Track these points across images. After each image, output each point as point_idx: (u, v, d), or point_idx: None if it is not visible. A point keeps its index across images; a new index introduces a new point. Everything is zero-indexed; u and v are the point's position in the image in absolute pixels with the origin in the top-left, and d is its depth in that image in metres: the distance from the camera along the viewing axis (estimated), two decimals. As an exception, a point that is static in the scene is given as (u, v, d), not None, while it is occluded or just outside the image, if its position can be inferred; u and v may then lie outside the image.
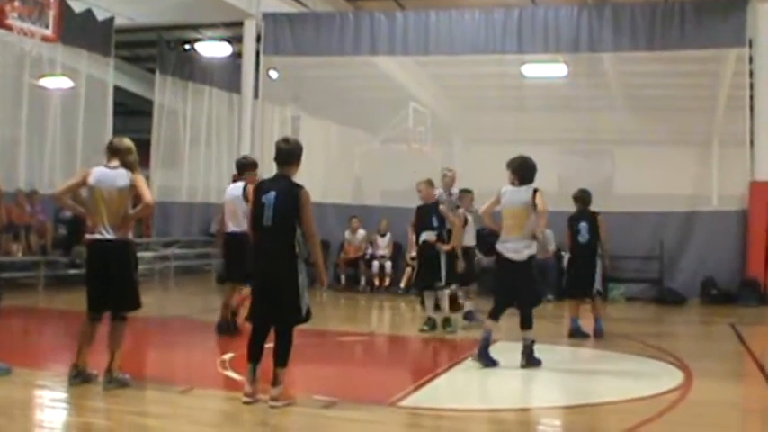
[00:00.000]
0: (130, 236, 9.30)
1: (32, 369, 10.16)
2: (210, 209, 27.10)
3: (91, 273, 9.27)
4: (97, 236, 9.05)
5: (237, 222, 12.56)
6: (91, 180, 9.13)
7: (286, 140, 9.04)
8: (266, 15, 22.35)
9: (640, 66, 21.29)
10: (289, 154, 8.79)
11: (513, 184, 11.00)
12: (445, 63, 22.22)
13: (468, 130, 24.03)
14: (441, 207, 13.97)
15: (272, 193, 8.51)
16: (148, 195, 9.12)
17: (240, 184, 12.70)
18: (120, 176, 9.07)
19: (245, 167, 13.01)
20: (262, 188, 8.73)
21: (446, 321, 13.92)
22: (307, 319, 8.63)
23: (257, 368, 8.54)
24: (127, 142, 9.29)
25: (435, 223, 13.81)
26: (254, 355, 8.58)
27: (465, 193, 15.20)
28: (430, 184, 14.05)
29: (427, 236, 13.78)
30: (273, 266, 8.50)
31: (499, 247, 10.91)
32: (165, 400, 8.76)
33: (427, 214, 13.87)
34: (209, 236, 26.49)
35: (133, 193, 9.15)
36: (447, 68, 23.00)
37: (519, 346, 10.96)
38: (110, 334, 9.08)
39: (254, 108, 22.80)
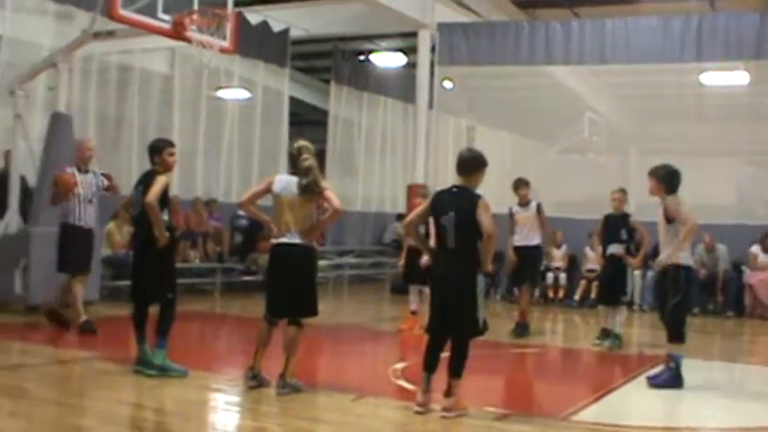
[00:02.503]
0: (314, 243, 9.36)
1: (207, 372, 10.32)
2: (385, 219, 27.29)
3: (272, 277, 9.35)
4: (282, 240, 9.13)
5: None
6: (275, 188, 9.21)
7: (469, 150, 9.03)
8: (441, 26, 22.28)
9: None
10: (469, 163, 8.71)
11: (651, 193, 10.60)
12: (621, 72, 21.81)
13: (645, 139, 23.55)
14: (631, 219, 13.64)
15: (451, 215, 8.40)
16: (336, 202, 9.14)
17: None
18: (301, 184, 9.10)
19: None
20: (440, 202, 8.64)
21: (616, 337, 13.58)
22: (483, 331, 8.51)
23: (432, 378, 8.45)
24: (299, 149, 9.31)
25: (624, 236, 13.50)
26: (430, 365, 8.49)
27: None
28: (624, 193, 13.75)
29: (615, 249, 13.46)
30: (454, 279, 8.42)
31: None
32: (336, 407, 8.75)
33: (616, 225, 13.55)
34: (382, 245, 26.63)
35: (318, 200, 9.19)
36: (623, 77, 22.60)
37: (695, 365, 10.66)
38: (285, 340, 9.12)
39: (429, 118, 22.78)
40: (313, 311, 9.27)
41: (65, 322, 12.92)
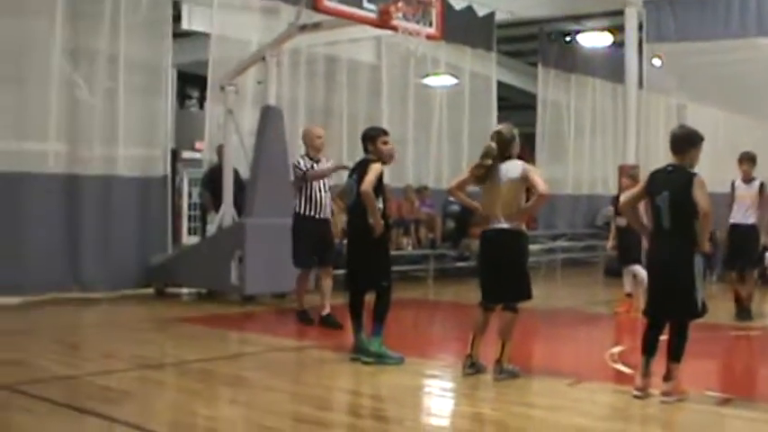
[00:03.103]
0: (523, 227, 9.34)
1: (423, 359, 10.41)
2: (596, 201, 27.01)
3: (483, 263, 9.39)
4: (492, 226, 9.13)
5: None
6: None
7: (682, 127, 8.89)
8: (647, 2, 21.93)
9: None
10: (683, 140, 8.53)
11: None
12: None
13: None
14: None
15: (665, 194, 8.25)
16: (542, 186, 9.04)
17: None
18: (512, 168, 9.09)
19: None
20: (654, 181, 8.49)
21: None
22: (703, 313, 8.32)
23: (651, 362, 8.31)
24: (509, 133, 9.28)
25: None
26: (649, 349, 8.35)
27: None
28: None
29: None
30: (670, 260, 8.26)
31: None
32: (553, 391, 8.70)
33: None
34: (595, 228, 26.37)
35: (526, 185, 9.17)
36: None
37: None
38: (500, 325, 9.11)
39: (638, 98, 22.44)
40: (526, 295, 9.22)
41: (310, 320, 12.88)
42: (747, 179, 13.89)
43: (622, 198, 9.20)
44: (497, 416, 7.98)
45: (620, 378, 9.13)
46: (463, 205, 12.10)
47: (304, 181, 12.51)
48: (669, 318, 8.33)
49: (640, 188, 8.76)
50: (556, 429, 7.31)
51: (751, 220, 13.88)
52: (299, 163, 12.67)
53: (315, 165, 12.63)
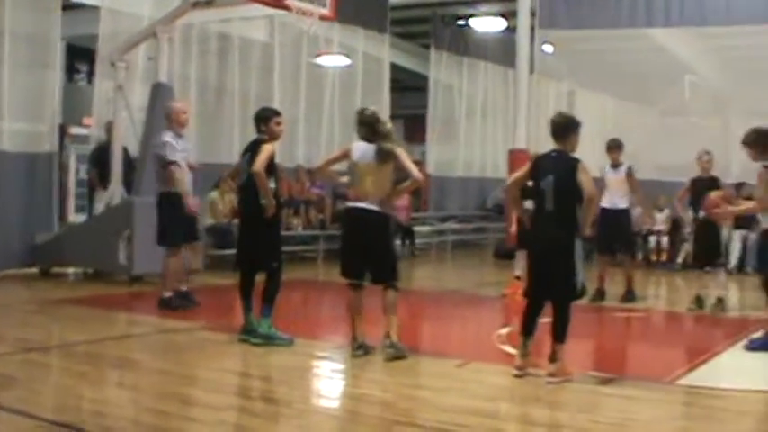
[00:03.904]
0: (391, 210, 9.47)
1: (313, 340, 10.47)
2: (487, 184, 27.24)
3: (348, 240, 9.53)
4: (359, 204, 9.23)
5: None
6: (354, 155, 9.31)
7: (560, 114, 9.01)
8: (541, -11, 22.19)
9: None
10: (563, 127, 8.67)
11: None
12: (723, 34, 21.41)
13: (747, 101, 23.05)
14: (721, 183, 13.48)
15: (550, 178, 8.40)
16: (415, 171, 9.22)
17: None
18: (378, 149, 9.17)
19: None
20: (539, 166, 8.64)
21: (718, 301, 13.44)
22: (581, 295, 8.52)
23: (529, 342, 8.50)
24: (373, 114, 9.40)
25: None
26: (528, 329, 8.53)
27: None
28: (711, 155, 13.56)
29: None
30: (552, 243, 8.40)
31: None
32: (441, 373, 8.78)
33: (705, 188, 13.41)
34: (485, 210, 26.60)
35: (395, 166, 9.23)
36: (724, 39, 22.12)
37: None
38: (384, 303, 9.22)
39: (529, 83, 22.65)
40: (395, 276, 9.37)
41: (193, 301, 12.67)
42: (616, 165, 14.13)
43: (508, 181, 9.32)
44: (386, 397, 8.01)
45: (508, 359, 9.19)
46: (329, 182, 12.13)
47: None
48: (548, 299, 8.52)
49: (524, 172, 8.87)
50: (443, 410, 7.35)
51: (622, 204, 14.10)
52: (166, 143, 12.17)
53: (179, 141, 12.30)
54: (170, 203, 12.13)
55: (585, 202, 8.27)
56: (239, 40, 20.50)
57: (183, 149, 12.33)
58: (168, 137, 12.20)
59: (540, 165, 8.63)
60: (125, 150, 15.98)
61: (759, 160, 10.19)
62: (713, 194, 11.67)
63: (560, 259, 8.35)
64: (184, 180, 12.14)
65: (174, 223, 12.22)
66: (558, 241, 8.35)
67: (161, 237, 12.36)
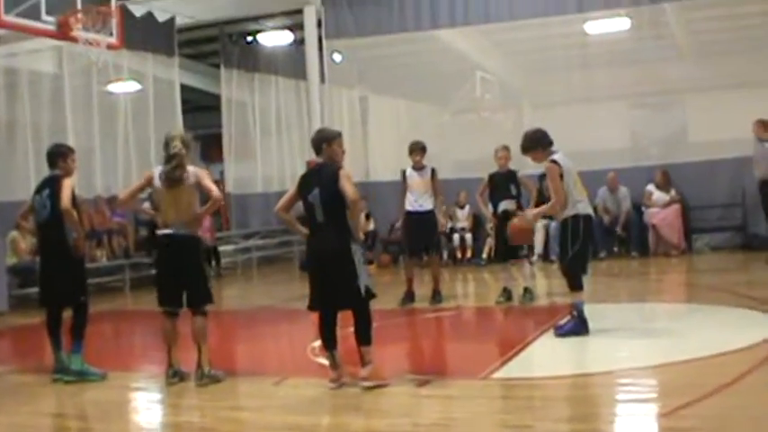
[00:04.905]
0: (199, 232, 9.49)
1: (127, 372, 10.35)
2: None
3: (161, 268, 9.52)
4: (166, 231, 9.22)
5: None
6: (155, 181, 9.28)
7: (318, 131, 9.35)
8: (325, 0, 22.38)
9: (702, 11, 21.09)
10: (317, 142, 8.93)
11: None
12: (507, 29, 22.05)
13: (536, 93, 23.72)
14: (519, 175, 13.85)
15: (316, 191, 8.59)
16: (215, 190, 9.27)
17: None
18: (163, 174, 9.21)
19: None
20: (304, 182, 8.84)
21: (526, 291, 13.83)
22: (368, 299, 8.64)
23: (335, 354, 8.67)
24: (167, 135, 9.45)
25: (514, 191, 13.71)
26: (329, 342, 8.72)
27: None
28: (508, 150, 13.89)
29: (507, 205, 13.65)
30: (329, 253, 8.56)
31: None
32: (259, 391, 8.83)
33: (504, 182, 13.75)
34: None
35: (198, 189, 9.26)
36: (509, 34, 22.79)
37: (604, 309, 10.86)
38: (193, 330, 9.19)
39: (321, 93, 22.83)
40: (209, 299, 9.41)
41: None
42: (419, 167, 14.30)
43: (278, 203, 9.39)
44: (206, 422, 8.04)
45: (323, 372, 9.26)
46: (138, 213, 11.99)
47: None
48: (336, 308, 8.71)
49: (292, 191, 9.03)
50: (264, 428, 7.42)
51: (428, 205, 14.27)
52: None
53: None
54: None
55: (351, 207, 8.49)
56: (27, 73, 20.07)
57: None
58: None
59: (306, 180, 8.86)
60: None
61: (543, 159, 10.57)
62: (514, 222, 11.89)
63: (339, 267, 8.50)
64: None
65: None
66: (334, 250, 8.51)
67: None
